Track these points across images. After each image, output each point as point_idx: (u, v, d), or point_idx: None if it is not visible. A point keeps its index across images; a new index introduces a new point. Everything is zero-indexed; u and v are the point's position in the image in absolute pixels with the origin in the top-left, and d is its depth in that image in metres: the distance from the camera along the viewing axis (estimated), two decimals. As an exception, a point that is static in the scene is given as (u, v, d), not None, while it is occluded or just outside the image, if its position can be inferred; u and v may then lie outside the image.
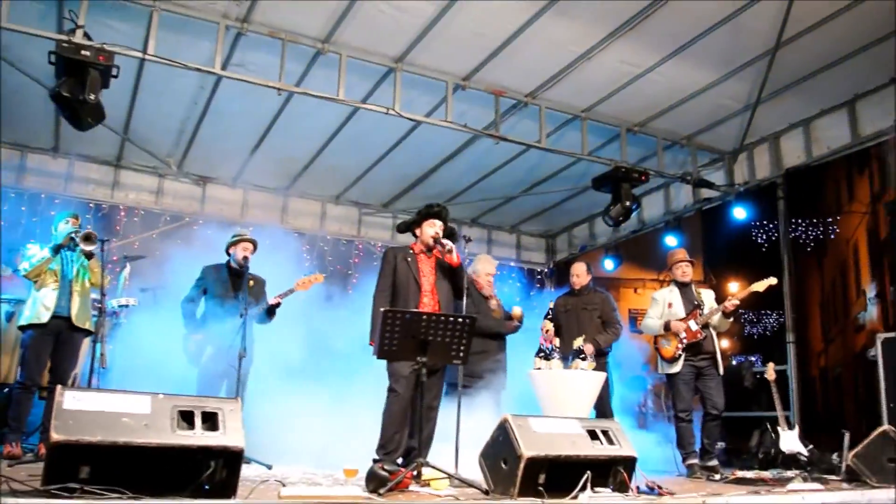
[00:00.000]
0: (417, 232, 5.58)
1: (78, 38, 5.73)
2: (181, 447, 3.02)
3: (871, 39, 6.57)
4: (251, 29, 6.50)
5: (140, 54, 6.12)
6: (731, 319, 6.61)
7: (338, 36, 6.69)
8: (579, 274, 7.34)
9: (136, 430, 2.97)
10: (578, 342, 6.27)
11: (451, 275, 5.49)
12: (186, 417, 3.15)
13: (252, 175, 9.83)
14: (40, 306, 5.89)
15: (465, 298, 5.51)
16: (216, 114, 8.06)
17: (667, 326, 6.58)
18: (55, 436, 2.83)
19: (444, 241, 5.32)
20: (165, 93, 7.62)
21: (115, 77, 5.92)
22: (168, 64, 6.22)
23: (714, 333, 6.61)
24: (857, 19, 6.25)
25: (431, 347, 4.43)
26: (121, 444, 2.91)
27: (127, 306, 7.36)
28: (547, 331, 6.48)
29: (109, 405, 3.03)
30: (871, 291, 15.11)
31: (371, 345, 4.98)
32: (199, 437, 3.08)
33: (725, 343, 12.68)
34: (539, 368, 6.24)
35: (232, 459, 3.09)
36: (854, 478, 5.17)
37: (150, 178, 9.61)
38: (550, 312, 6.86)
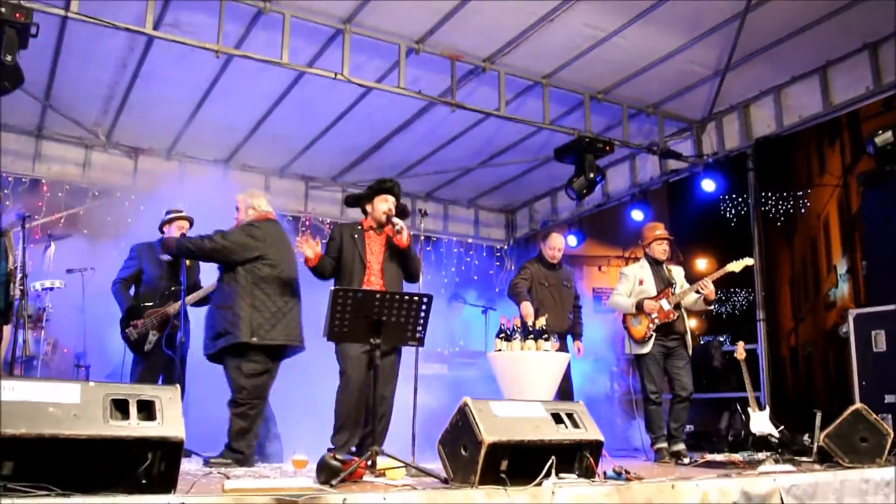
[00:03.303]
0: (368, 208, 5.55)
1: (-9, -7, 5.53)
2: (114, 438, 2.93)
3: (842, 3, 6.64)
4: (185, -16, 6.35)
5: (62, 11, 5.92)
6: (712, 306, 6.71)
7: (281, -6, 6.57)
8: (560, 248, 7.41)
9: (63, 421, 2.87)
10: (541, 322, 6.29)
11: (401, 258, 5.47)
12: (120, 407, 3.06)
13: (188, 146, 9.63)
14: None
15: (419, 281, 5.52)
16: (148, 79, 7.83)
17: (639, 306, 6.61)
18: (-28, 429, 2.74)
19: (396, 220, 5.31)
20: (91, 55, 7.36)
21: (35, 36, 5.70)
22: (93, 23, 6.03)
23: (685, 313, 6.71)
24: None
25: (385, 328, 4.40)
26: (47, 437, 2.81)
27: (52, 289, 7.17)
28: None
29: (34, 394, 2.93)
30: (842, 267, 15.49)
31: None
32: (133, 427, 3.00)
33: (693, 322, 12.90)
34: (500, 350, 6.26)
35: (171, 451, 3.02)
36: (826, 458, 5.27)
37: (76, 149, 9.30)
38: (528, 280, 7.01)
